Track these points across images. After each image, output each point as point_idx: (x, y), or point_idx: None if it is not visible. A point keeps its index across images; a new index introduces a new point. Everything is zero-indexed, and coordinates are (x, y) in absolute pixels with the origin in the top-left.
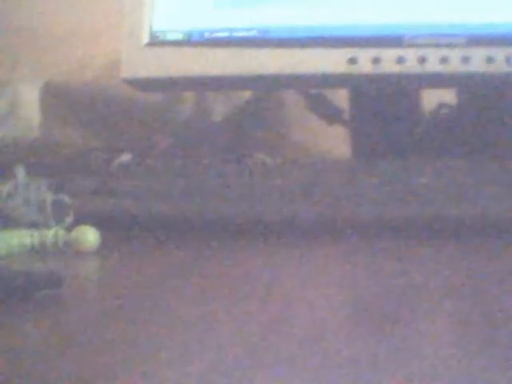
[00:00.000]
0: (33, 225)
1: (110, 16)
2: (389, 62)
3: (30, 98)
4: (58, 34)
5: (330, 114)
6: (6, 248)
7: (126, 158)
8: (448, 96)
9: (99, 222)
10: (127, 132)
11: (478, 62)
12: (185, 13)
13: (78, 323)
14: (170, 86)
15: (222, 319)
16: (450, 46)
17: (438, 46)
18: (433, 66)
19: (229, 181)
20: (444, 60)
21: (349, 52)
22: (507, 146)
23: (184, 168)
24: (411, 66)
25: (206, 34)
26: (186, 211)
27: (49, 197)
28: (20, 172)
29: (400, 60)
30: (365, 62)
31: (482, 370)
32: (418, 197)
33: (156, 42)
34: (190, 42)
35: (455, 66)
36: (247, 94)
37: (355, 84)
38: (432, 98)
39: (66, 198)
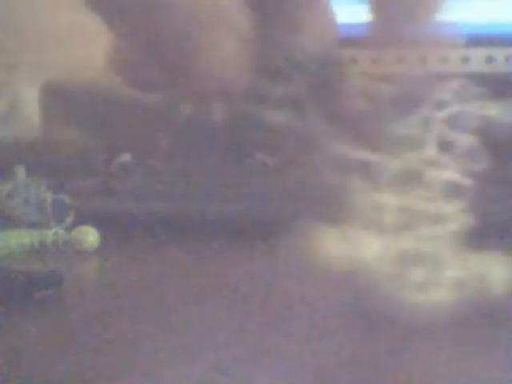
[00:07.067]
0: (33, 225)
1: None
2: (389, 61)
3: (29, 98)
4: (58, 33)
5: None
6: (5, 248)
7: (125, 157)
8: None
9: (99, 222)
10: (127, 132)
11: (477, 61)
12: None
13: (78, 323)
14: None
15: (222, 319)
16: (449, 45)
17: (438, 45)
18: (432, 65)
19: (229, 181)
20: (444, 60)
21: (348, 52)
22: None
23: (184, 168)
24: (411, 65)
25: None
26: (186, 211)
27: (49, 197)
28: (20, 172)
29: (400, 60)
30: (365, 61)
31: (482, 370)
32: None
33: None
34: None
35: (455, 65)
36: None
37: None
38: None
39: (66, 198)
